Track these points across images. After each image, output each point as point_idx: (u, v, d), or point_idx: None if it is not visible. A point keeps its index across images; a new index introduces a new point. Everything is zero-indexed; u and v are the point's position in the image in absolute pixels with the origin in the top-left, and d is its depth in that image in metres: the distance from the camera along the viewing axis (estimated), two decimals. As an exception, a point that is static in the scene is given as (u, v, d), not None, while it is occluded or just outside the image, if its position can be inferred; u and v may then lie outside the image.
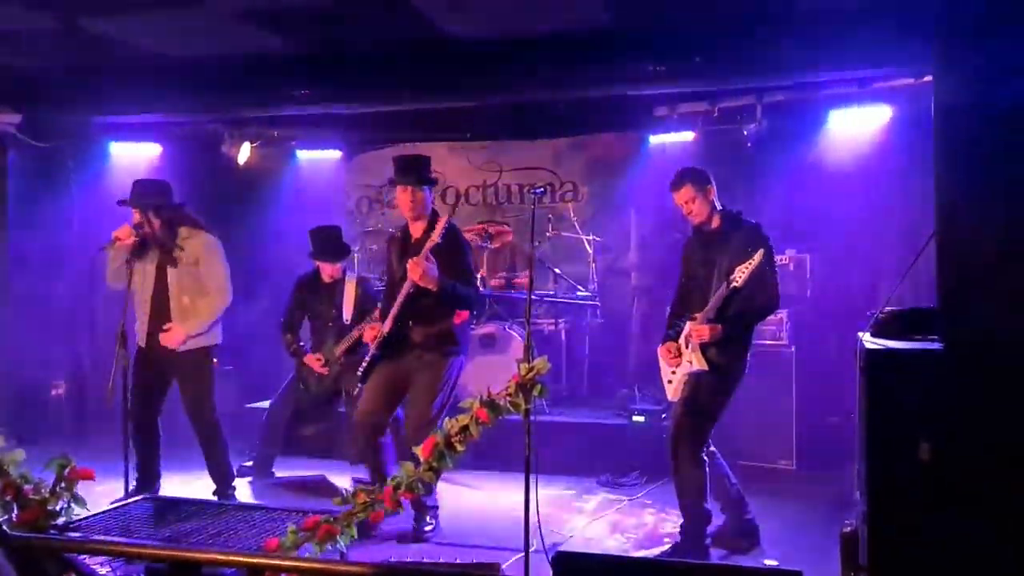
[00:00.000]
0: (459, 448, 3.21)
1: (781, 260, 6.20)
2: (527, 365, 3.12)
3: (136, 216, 5.00)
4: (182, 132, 7.45)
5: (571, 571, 2.93)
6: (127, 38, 6.01)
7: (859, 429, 2.73)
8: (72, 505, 3.87)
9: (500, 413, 3.13)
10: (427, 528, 4.60)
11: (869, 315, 3.10)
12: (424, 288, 4.34)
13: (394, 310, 4.46)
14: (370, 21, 5.75)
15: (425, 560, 4.04)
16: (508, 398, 3.11)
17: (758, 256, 3.96)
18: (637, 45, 5.82)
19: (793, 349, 5.84)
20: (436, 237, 4.33)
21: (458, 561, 3.77)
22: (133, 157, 7.48)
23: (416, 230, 4.61)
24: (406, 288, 4.41)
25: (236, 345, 7.35)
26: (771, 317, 5.77)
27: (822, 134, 6.38)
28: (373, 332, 4.66)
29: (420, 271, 4.28)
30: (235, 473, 5.33)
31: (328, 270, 5.64)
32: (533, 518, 3.73)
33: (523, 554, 3.71)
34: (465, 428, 3.17)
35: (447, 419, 3.25)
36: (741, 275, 4.00)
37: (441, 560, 4.03)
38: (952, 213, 2.56)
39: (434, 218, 4.56)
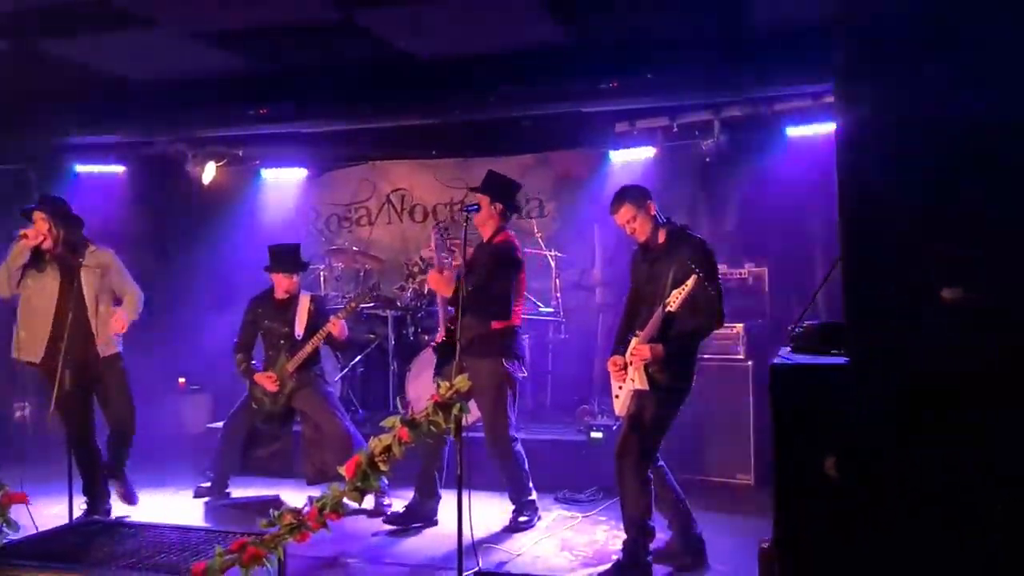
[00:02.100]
0: (383, 468, 3.19)
1: (740, 274, 6.24)
2: (447, 384, 3.11)
3: (45, 224, 5.01)
4: (146, 153, 7.47)
5: (489, 591, 2.93)
6: (86, 61, 6.05)
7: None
8: (4, 529, 3.85)
9: (421, 432, 3.11)
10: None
11: (788, 329, 3.10)
12: (455, 297, 4.70)
13: (441, 315, 5.10)
14: (326, 41, 5.79)
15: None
16: (428, 418, 3.09)
17: (691, 281, 3.96)
18: (589, 61, 5.86)
19: (750, 363, 5.84)
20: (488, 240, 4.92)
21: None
22: (98, 178, 7.50)
23: (483, 236, 5.11)
24: (440, 296, 4.99)
25: (203, 365, 7.38)
26: (727, 331, 5.82)
27: (779, 149, 6.40)
28: (440, 335, 5.15)
29: (434, 279, 4.90)
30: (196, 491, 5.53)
31: (284, 284, 5.64)
32: (474, 537, 3.72)
33: (471, 572, 3.69)
34: (388, 448, 3.15)
35: (372, 439, 3.23)
36: (675, 300, 4.00)
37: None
38: (855, 232, 2.57)
39: (496, 232, 5.03)
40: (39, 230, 5.00)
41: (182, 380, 7.65)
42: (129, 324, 5.24)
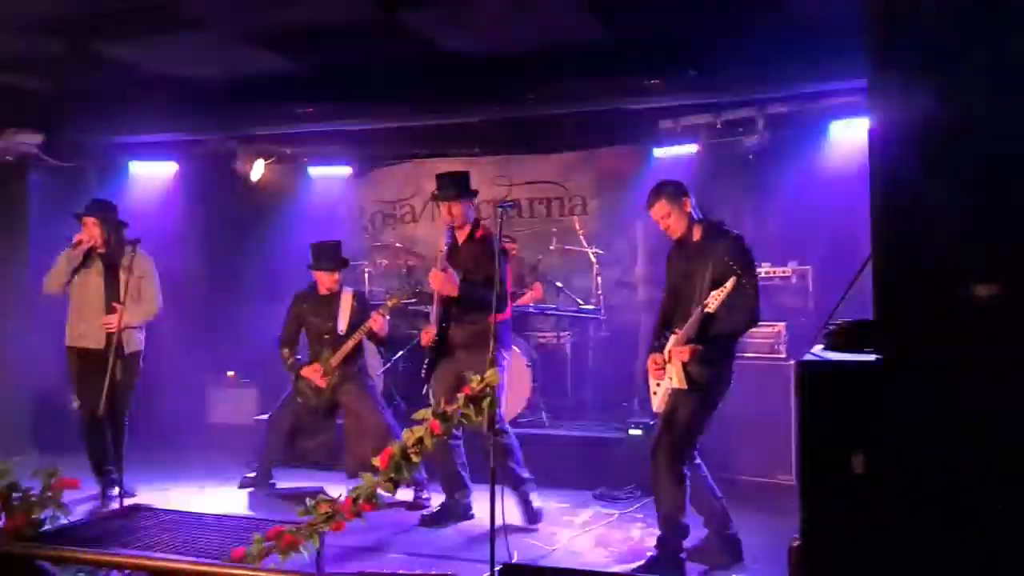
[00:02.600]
0: (415, 459, 3.24)
1: (783, 272, 6.17)
2: (478, 378, 3.14)
3: (97, 228, 5.51)
4: (197, 150, 7.65)
5: (517, 583, 2.96)
6: (139, 61, 6.22)
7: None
8: (56, 513, 4.00)
9: (452, 425, 3.16)
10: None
11: (821, 327, 3.07)
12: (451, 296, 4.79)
13: (433, 313, 4.95)
14: (370, 39, 5.87)
15: (400, 572, 4.07)
16: (459, 410, 3.13)
17: (730, 283, 3.93)
18: (632, 58, 5.84)
19: (792, 363, 5.76)
20: (463, 237, 4.91)
21: (417, 572, 3.80)
22: (151, 175, 7.72)
23: (460, 237, 5.08)
24: (437, 295, 4.93)
25: (252, 360, 7.54)
26: (769, 331, 5.78)
27: (824, 145, 6.31)
28: (428, 335, 5.08)
29: (439, 281, 4.80)
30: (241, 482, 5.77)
31: (325, 282, 5.74)
32: (506, 531, 3.75)
33: (495, 567, 3.72)
34: (420, 440, 3.20)
35: (404, 431, 3.29)
36: (714, 301, 3.98)
37: (416, 572, 4.06)
38: (886, 230, 2.54)
39: (475, 227, 5.06)
40: (91, 234, 5.48)
41: (231, 373, 7.83)
42: (124, 327, 5.42)
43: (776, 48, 5.65)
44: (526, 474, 5.09)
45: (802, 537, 2.60)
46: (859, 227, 6.21)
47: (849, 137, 6.19)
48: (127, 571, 3.41)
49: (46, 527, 3.92)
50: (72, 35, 5.63)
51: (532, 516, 5.02)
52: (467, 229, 5.03)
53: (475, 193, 5.24)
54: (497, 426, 4.89)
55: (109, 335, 5.42)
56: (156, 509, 4.38)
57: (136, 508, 4.32)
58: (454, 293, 4.80)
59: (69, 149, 7.26)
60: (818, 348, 3.00)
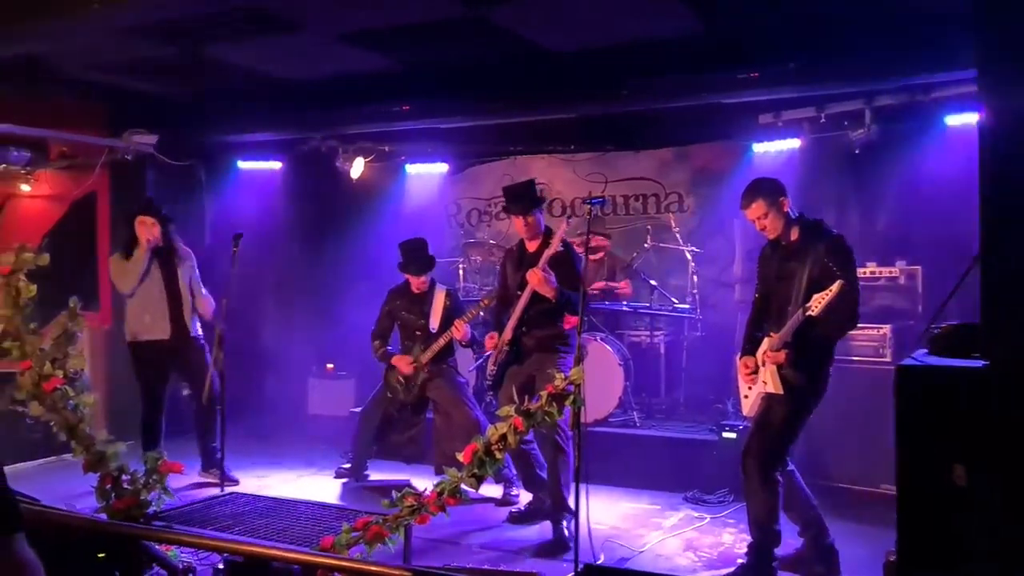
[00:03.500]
0: (498, 456, 3.24)
1: (890, 273, 5.90)
2: (562, 376, 3.12)
3: (156, 228, 5.75)
4: (301, 149, 7.88)
5: (597, 585, 2.92)
6: (246, 64, 6.45)
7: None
8: (162, 496, 4.20)
9: (536, 422, 3.14)
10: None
11: (925, 330, 2.91)
12: (539, 296, 4.73)
13: (513, 318, 4.86)
14: (464, 37, 5.91)
15: (485, 568, 4.09)
16: (542, 408, 3.12)
17: (836, 286, 3.76)
18: (729, 51, 5.69)
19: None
20: (554, 248, 4.73)
21: (501, 568, 3.80)
22: (258, 173, 8.00)
23: (531, 246, 5.00)
24: (525, 296, 4.82)
25: (350, 353, 7.73)
26: (873, 333, 5.54)
27: (937, 139, 5.98)
28: (492, 341, 5.05)
29: (539, 279, 4.68)
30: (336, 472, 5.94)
31: (415, 282, 5.81)
32: (594, 531, 3.72)
33: (580, 566, 3.69)
34: (504, 437, 3.20)
35: (489, 427, 3.30)
36: (818, 305, 3.81)
37: (499, 568, 4.07)
38: (996, 229, 2.40)
39: (548, 234, 4.97)
40: (153, 233, 5.72)
41: (330, 365, 8.03)
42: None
43: (884, 36, 5.41)
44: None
45: (898, 553, 2.47)
46: (974, 225, 5.92)
47: (966, 130, 5.84)
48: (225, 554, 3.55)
49: (152, 509, 4.13)
50: (183, 39, 5.88)
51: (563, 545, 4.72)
52: (540, 238, 4.98)
53: (543, 200, 5.25)
54: (559, 438, 4.81)
55: (175, 325, 5.72)
56: (253, 496, 4.53)
57: (235, 495, 4.48)
58: (550, 294, 4.74)
59: (182, 149, 7.59)
60: (921, 352, 2.85)
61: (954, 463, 2.37)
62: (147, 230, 5.71)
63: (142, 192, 7.69)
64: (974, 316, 3.59)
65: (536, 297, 4.78)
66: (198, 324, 5.93)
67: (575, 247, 5.06)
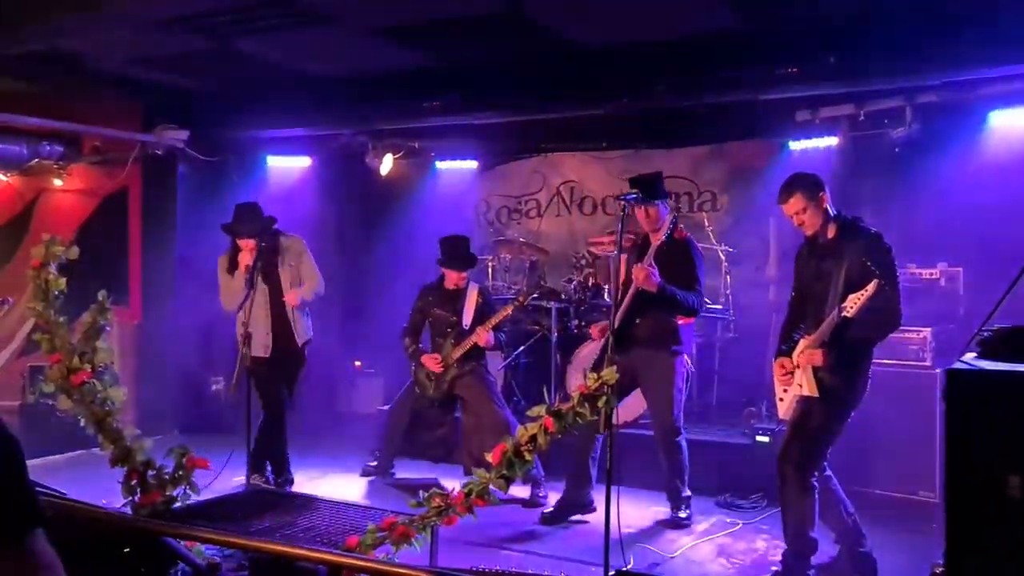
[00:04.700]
0: (528, 457, 3.17)
1: (930, 274, 5.75)
2: (594, 375, 3.03)
3: (249, 243, 5.37)
4: (330, 145, 7.87)
5: (629, 591, 2.83)
6: (275, 59, 6.44)
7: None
8: (188, 491, 4.16)
9: (566, 423, 3.06)
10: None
11: (975, 333, 2.78)
12: (647, 291, 4.71)
13: (623, 308, 4.81)
14: (496, 32, 5.84)
15: (513, 570, 4.01)
16: (574, 409, 3.04)
17: (872, 287, 3.65)
18: (766, 46, 5.56)
19: (938, 372, 5.34)
20: (658, 240, 4.84)
21: (530, 572, 3.73)
22: (287, 169, 8.00)
23: (655, 239, 4.95)
24: (632, 289, 4.79)
25: (378, 350, 7.70)
26: (913, 336, 5.39)
27: (981, 137, 5.81)
28: (600, 329, 5.16)
29: (643, 275, 4.67)
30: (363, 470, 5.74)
31: (453, 278, 5.76)
32: (625, 535, 3.63)
33: (611, 571, 3.61)
34: (534, 438, 3.13)
35: (519, 427, 3.22)
36: (853, 305, 3.70)
37: (527, 571, 4.00)
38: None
39: (673, 229, 4.98)
40: (247, 259, 5.33)
41: (358, 363, 8.01)
42: (301, 301, 5.49)
43: (927, 30, 5.26)
44: (686, 492, 5.10)
45: (946, 564, 2.36)
46: (1018, 226, 5.77)
47: (1010, 128, 5.68)
48: (250, 552, 3.50)
49: (177, 504, 4.09)
50: (213, 33, 5.87)
51: (679, 522, 5.03)
52: (664, 231, 4.93)
53: (666, 194, 5.22)
54: (676, 439, 5.01)
55: (275, 342, 5.47)
56: (278, 492, 4.50)
57: (260, 490, 4.45)
58: (653, 289, 4.70)
59: (212, 144, 7.61)
60: (970, 356, 2.72)
61: (1008, 473, 2.25)
62: (244, 255, 5.34)
63: (172, 186, 7.74)
64: (1020, 320, 3.46)
65: (647, 291, 4.76)
66: (307, 330, 5.59)
67: (692, 240, 5.10)
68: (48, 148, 7.06)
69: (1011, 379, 2.32)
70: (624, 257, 5.02)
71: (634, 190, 4.50)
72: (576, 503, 5.06)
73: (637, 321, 4.90)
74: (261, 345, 5.46)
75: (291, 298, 5.48)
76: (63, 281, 4.24)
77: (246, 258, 5.33)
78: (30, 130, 6.77)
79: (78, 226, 7.51)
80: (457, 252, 5.75)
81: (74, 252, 4.29)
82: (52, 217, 7.59)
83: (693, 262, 4.93)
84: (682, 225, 5.27)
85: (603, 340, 4.97)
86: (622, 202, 4.10)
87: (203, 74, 6.84)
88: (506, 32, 5.81)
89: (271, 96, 7.11)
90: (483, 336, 5.45)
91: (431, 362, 5.64)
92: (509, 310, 5.52)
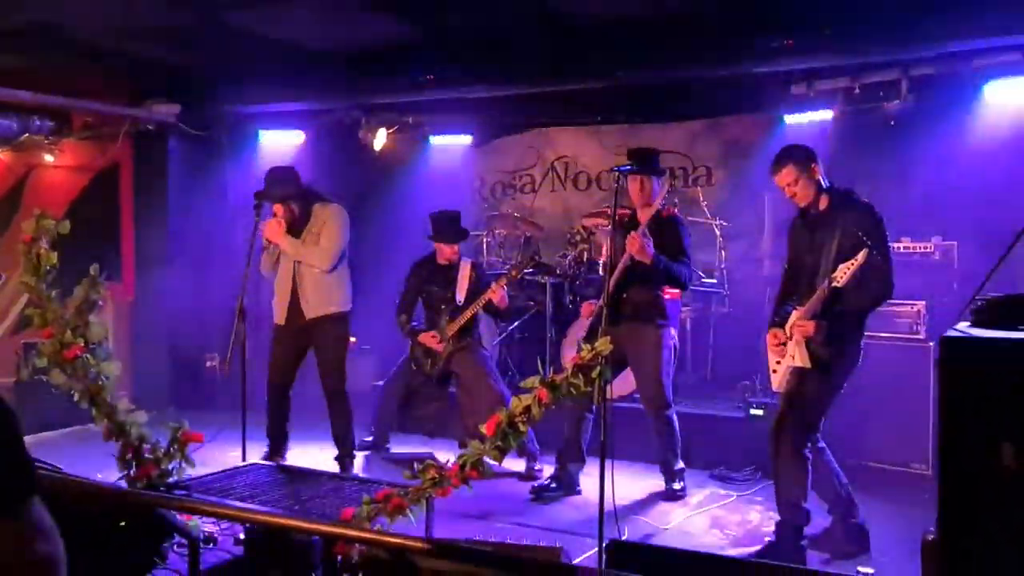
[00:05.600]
0: (522, 428, 3.17)
1: (924, 248, 5.75)
2: (588, 347, 3.03)
3: (279, 209, 5.23)
4: (323, 120, 7.80)
5: (624, 561, 2.85)
6: (266, 32, 6.36)
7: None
8: (183, 465, 4.16)
9: (560, 394, 3.06)
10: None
11: (968, 302, 2.78)
12: (638, 263, 4.71)
13: (612, 280, 4.77)
14: (491, 6, 5.78)
15: (508, 541, 4.03)
16: (568, 380, 3.04)
17: (861, 255, 3.66)
18: (760, 18, 5.51)
19: (931, 344, 5.36)
20: (653, 209, 4.83)
21: (524, 543, 3.74)
22: (280, 143, 7.94)
23: (643, 217, 4.91)
24: (623, 261, 4.79)
25: (371, 327, 7.68)
26: (907, 309, 5.40)
27: (975, 110, 5.79)
28: (590, 308, 5.15)
29: (638, 244, 4.66)
30: (356, 445, 5.56)
31: (445, 252, 5.74)
32: (619, 507, 3.65)
33: (606, 542, 3.62)
34: (528, 409, 3.13)
35: (513, 399, 3.22)
36: (843, 275, 3.71)
37: (523, 543, 4.01)
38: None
39: (664, 206, 4.99)
40: (278, 224, 5.18)
41: (353, 339, 7.98)
42: (280, 245, 5.20)
43: (922, 3, 5.22)
44: (679, 465, 5.12)
45: (939, 532, 2.37)
46: (1015, 199, 5.76)
47: (1005, 100, 5.66)
48: (247, 524, 3.51)
49: (172, 478, 4.10)
50: (201, 5, 5.79)
51: (673, 494, 5.07)
52: (654, 207, 4.91)
53: (663, 171, 5.19)
54: (667, 412, 5.01)
55: (291, 311, 5.28)
56: (275, 467, 4.50)
57: (256, 465, 4.45)
58: (647, 260, 4.70)
59: (204, 119, 7.55)
60: (963, 325, 2.72)
61: (1002, 441, 2.25)
62: (271, 225, 5.19)
63: (162, 162, 7.68)
64: (1013, 289, 3.46)
65: (637, 263, 4.75)
66: (335, 300, 5.29)
67: (679, 217, 5.12)
68: (38, 123, 6.97)
69: (1005, 346, 2.32)
70: (612, 233, 5.00)
71: (630, 162, 4.48)
72: (566, 483, 5.08)
73: (624, 296, 4.91)
74: (278, 314, 5.41)
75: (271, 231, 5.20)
76: (54, 256, 4.21)
77: (271, 225, 5.18)
78: (19, 104, 6.69)
79: (70, 202, 7.45)
80: (447, 226, 5.72)
81: (65, 227, 4.26)
82: (44, 193, 7.52)
83: (681, 236, 4.95)
84: (675, 200, 5.27)
85: (593, 316, 4.97)
86: (616, 173, 4.07)
87: (193, 48, 6.75)
88: (500, 4, 5.74)
89: (263, 70, 7.03)
90: (498, 292, 5.40)
91: (431, 340, 5.63)
92: (515, 274, 5.49)
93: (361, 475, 5.25)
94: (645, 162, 4.92)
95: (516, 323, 6.87)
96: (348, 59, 6.84)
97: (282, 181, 5.25)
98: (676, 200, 7.01)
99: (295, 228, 5.24)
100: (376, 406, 5.99)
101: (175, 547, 3.45)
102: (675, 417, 5.09)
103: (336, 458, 5.45)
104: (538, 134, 8.21)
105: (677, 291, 5.32)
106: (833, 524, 4.15)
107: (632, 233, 4.73)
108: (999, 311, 2.59)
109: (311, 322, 5.29)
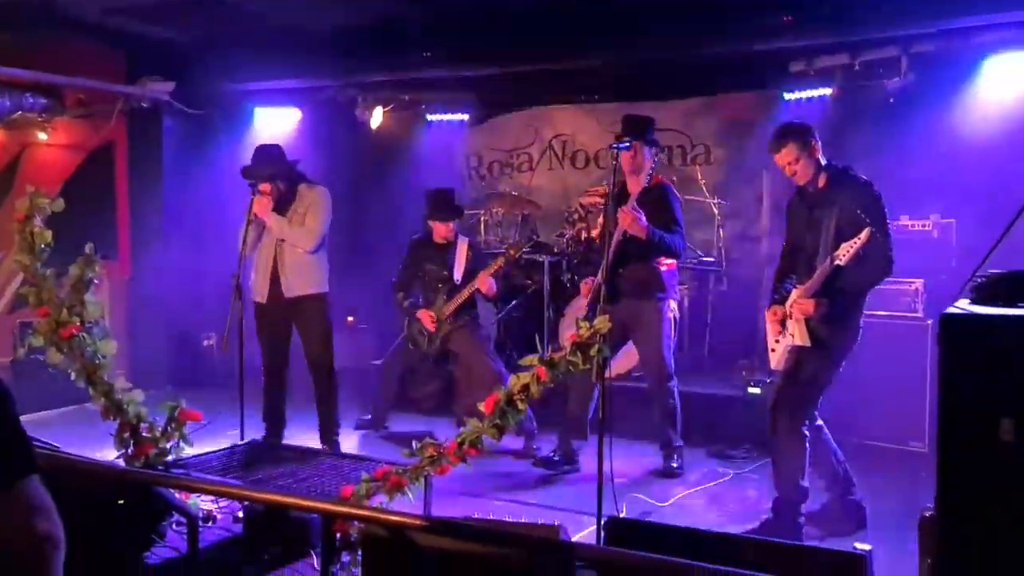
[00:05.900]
0: (521, 406, 3.16)
1: (923, 225, 5.74)
2: (587, 324, 3.02)
3: (265, 187, 5.17)
4: (319, 97, 7.75)
5: (622, 537, 2.85)
6: (261, 8, 6.30)
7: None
8: (181, 444, 4.16)
9: (559, 372, 3.05)
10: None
11: (968, 279, 2.77)
12: (632, 237, 4.67)
13: (607, 257, 4.64)
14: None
15: (506, 519, 4.04)
16: (566, 358, 3.02)
17: (864, 234, 3.65)
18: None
19: (930, 323, 5.36)
20: (641, 181, 4.78)
21: (523, 520, 3.75)
22: (275, 121, 7.88)
23: (633, 186, 4.89)
24: (617, 236, 4.73)
25: (369, 305, 7.67)
26: (905, 288, 5.40)
27: (975, 87, 5.77)
28: (588, 286, 5.02)
29: (630, 218, 4.61)
30: (339, 424, 5.49)
31: (441, 231, 5.72)
32: (617, 484, 3.66)
33: (604, 519, 3.63)
34: (526, 387, 3.12)
35: (511, 377, 3.21)
36: (845, 253, 3.70)
37: (521, 520, 4.02)
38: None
39: (651, 175, 4.91)
40: (263, 205, 5.12)
41: (351, 319, 7.98)
42: (266, 222, 5.13)
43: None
44: (678, 441, 5.12)
45: (937, 508, 2.37)
46: (1013, 177, 5.74)
47: (1005, 77, 5.63)
48: (245, 502, 3.51)
49: (170, 457, 4.09)
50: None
51: (671, 471, 5.07)
52: (643, 176, 4.87)
53: (657, 143, 5.10)
54: (669, 384, 5.01)
55: (272, 289, 5.22)
56: (273, 445, 4.50)
57: (255, 443, 4.45)
58: (642, 234, 4.65)
59: (198, 96, 7.48)
60: (963, 302, 2.72)
61: (1001, 417, 2.25)
62: (259, 202, 5.10)
63: (157, 140, 7.62)
64: (1014, 266, 3.45)
65: (631, 238, 4.71)
66: (314, 281, 5.30)
67: (668, 185, 5.03)
68: (31, 100, 6.90)
69: (1005, 323, 2.32)
70: (606, 208, 4.97)
71: (626, 138, 4.45)
72: (567, 455, 5.10)
73: (621, 271, 4.89)
74: (259, 292, 5.34)
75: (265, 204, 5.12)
76: (49, 234, 4.17)
77: (259, 201, 5.10)
78: (11, 81, 6.62)
79: (64, 181, 7.40)
80: (442, 203, 5.71)
81: (59, 205, 4.22)
82: (38, 172, 7.46)
83: (671, 205, 4.90)
84: (673, 178, 5.22)
85: (592, 293, 4.95)
86: (614, 150, 4.04)
87: (187, 25, 6.70)
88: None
89: (258, 47, 6.97)
90: (485, 281, 5.40)
91: (426, 318, 5.63)
92: (513, 253, 5.47)
93: (359, 453, 5.25)
94: (639, 129, 4.87)
95: (514, 302, 6.86)
96: (344, 36, 6.79)
97: (269, 159, 5.22)
98: (674, 178, 7.02)
99: (280, 207, 5.18)
100: (375, 385, 5.99)
101: (174, 525, 3.44)
102: (677, 389, 5.11)
103: (321, 438, 5.40)
104: (535, 112, 8.16)
105: (673, 261, 5.30)
106: (831, 501, 4.16)
107: (622, 208, 4.68)
108: (999, 288, 2.58)
109: (292, 301, 5.25)
